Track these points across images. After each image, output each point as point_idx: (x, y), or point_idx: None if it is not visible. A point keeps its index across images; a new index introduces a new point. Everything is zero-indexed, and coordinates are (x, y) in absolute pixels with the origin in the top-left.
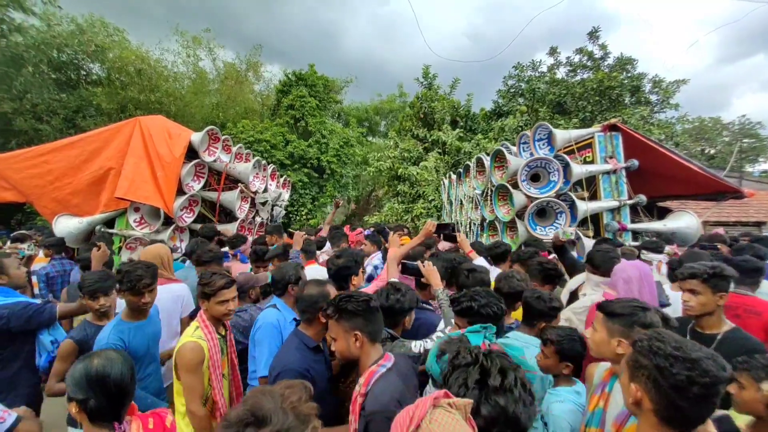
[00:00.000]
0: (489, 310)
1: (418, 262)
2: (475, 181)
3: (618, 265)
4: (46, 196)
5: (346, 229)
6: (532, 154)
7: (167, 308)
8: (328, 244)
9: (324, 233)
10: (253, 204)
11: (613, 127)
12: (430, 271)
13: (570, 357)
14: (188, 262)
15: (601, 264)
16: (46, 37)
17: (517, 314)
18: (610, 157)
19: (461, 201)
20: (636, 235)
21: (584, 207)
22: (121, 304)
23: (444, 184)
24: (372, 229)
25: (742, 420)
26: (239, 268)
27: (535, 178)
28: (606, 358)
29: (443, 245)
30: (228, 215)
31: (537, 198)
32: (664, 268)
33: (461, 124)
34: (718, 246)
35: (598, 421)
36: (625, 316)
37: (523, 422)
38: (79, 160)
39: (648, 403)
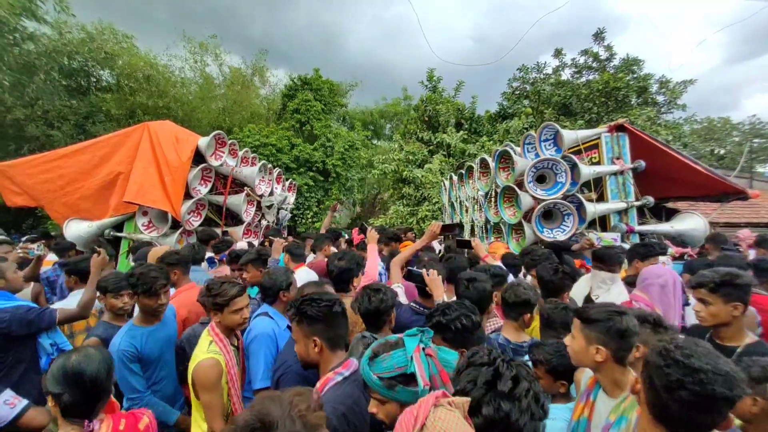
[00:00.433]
0: (458, 324)
1: (423, 271)
2: (478, 183)
3: (649, 269)
4: (58, 200)
5: (354, 232)
6: (537, 155)
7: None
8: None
9: None
10: (259, 207)
11: (619, 128)
12: (434, 281)
13: (563, 374)
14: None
15: (608, 260)
16: (58, 45)
17: (532, 329)
18: (617, 158)
19: (463, 203)
20: (642, 237)
21: (592, 209)
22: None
23: (445, 185)
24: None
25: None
26: (227, 272)
27: (540, 179)
28: (586, 366)
29: None
30: (234, 218)
31: (544, 200)
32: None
33: (466, 126)
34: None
35: (584, 430)
36: (601, 321)
37: None
38: (89, 165)
39: (644, 396)
